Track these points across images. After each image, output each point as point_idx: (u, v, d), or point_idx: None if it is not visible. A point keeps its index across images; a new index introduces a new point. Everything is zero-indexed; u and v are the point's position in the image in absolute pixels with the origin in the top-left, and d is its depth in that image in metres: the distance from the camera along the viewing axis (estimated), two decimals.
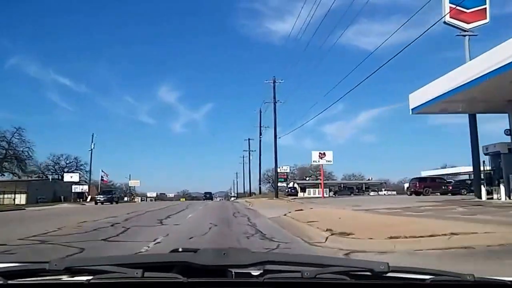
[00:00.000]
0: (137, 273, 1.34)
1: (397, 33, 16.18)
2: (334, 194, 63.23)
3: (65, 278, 1.43)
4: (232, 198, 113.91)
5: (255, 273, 1.44)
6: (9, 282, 1.37)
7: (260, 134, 56.41)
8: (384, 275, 1.40)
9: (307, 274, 1.36)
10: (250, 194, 76.50)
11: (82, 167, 75.18)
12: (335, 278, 1.38)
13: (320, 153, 43.18)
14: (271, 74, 51.07)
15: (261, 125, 56.93)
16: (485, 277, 1.50)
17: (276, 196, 38.92)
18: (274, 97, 42.80)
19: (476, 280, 1.41)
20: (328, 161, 43.50)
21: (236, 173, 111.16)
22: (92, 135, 61.18)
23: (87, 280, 1.37)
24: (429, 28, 12.57)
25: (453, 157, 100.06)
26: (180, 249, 1.66)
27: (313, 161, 44.32)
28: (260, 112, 55.01)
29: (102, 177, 68.98)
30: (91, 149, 60.24)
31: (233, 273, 1.45)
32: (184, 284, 1.32)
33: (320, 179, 50.36)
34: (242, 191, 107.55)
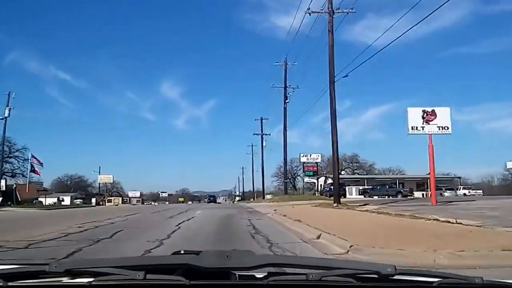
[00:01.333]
0: (139, 275, 1.32)
1: (405, 27, 15.20)
2: (363, 194, 49.72)
3: (65, 280, 1.40)
4: (237, 198, 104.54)
5: (259, 275, 1.42)
6: (9, 284, 1.35)
7: (286, 99, 40.89)
8: (390, 277, 1.37)
9: (312, 276, 1.34)
10: (264, 194, 64.64)
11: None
12: (341, 280, 1.35)
13: (425, 111, 19.90)
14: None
15: (262, 120, 54.07)
16: (493, 280, 1.47)
17: (337, 202, 20.12)
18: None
19: (484, 283, 1.39)
20: (443, 127, 19.83)
21: (242, 168, 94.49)
22: (8, 94, 39.00)
23: (88, 282, 1.34)
24: None
25: None
26: (182, 251, 1.63)
27: (411, 128, 19.73)
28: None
29: (32, 166, 43.79)
30: (5, 117, 38.28)
31: (237, 275, 1.42)
32: (186, 287, 1.30)
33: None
34: (248, 190, 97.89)
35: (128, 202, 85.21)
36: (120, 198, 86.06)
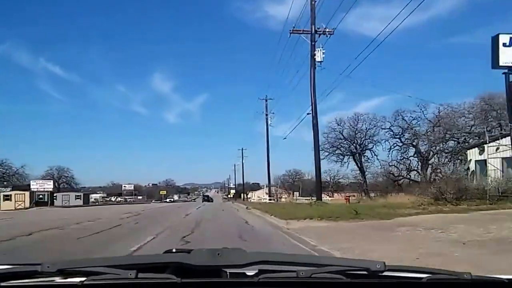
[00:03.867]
0: (130, 274, 1.33)
1: (402, 18, 15.06)
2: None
3: (58, 280, 1.41)
4: (232, 192, 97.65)
5: (250, 273, 1.43)
6: (2, 284, 1.36)
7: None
8: (380, 274, 1.39)
9: (302, 273, 1.35)
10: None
11: None
12: (331, 277, 1.36)
13: None
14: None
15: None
16: (482, 276, 1.49)
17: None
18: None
19: (473, 278, 1.40)
20: None
21: (241, 158, 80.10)
22: None
23: (80, 281, 1.35)
24: None
25: None
26: (174, 250, 1.65)
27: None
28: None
29: None
30: None
31: (228, 273, 1.43)
32: (178, 285, 1.31)
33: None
34: (245, 182, 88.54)
35: (67, 202, 55.35)
36: (27, 194, 51.22)
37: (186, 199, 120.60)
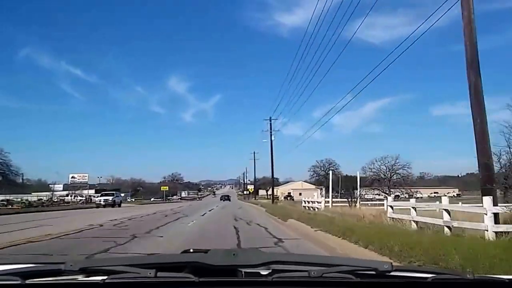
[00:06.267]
0: (150, 273, 1.39)
1: (402, 26, 15.22)
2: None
3: (80, 278, 1.47)
4: (251, 188, 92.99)
5: (264, 272, 1.49)
6: (27, 282, 1.42)
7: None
8: (387, 274, 1.46)
9: (313, 273, 1.42)
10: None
11: None
12: (341, 277, 1.43)
13: None
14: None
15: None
16: (484, 275, 1.56)
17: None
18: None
19: (475, 278, 1.47)
20: None
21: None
22: None
23: (102, 280, 1.41)
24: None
25: None
26: (191, 250, 1.71)
27: None
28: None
29: None
30: None
31: (243, 272, 1.50)
32: (195, 284, 1.37)
33: None
34: (262, 177, 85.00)
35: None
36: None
37: (197, 196, 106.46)
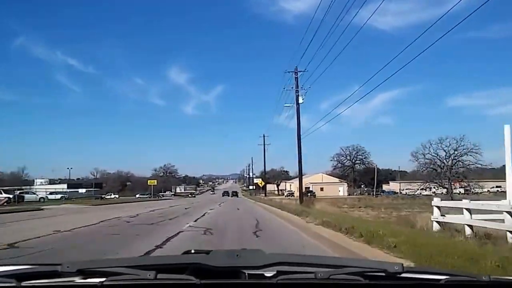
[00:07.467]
0: (150, 275, 1.34)
1: (415, 13, 14.65)
2: None
3: (77, 280, 1.42)
4: (258, 181, 67.69)
5: (268, 274, 1.43)
6: (22, 284, 1.37)
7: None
8: (398, 275, 1.39)
9: (320, 275, 1.35)
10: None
11: None
12: (349, 279, 1.37)
13: None
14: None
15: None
16: (501, 277, 1.49)
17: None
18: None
19: (491, 280, 1.40)
20: None
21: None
22: None
23: (100, 282, 1.36)
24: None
25: None
26: (193, 251, 1.65)
27: None
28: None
29: None
30: None
31: (246, 274, 1.44)
32: (197, 286, 1.32)
33: None
34: (270, 169, 67.73)
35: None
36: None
37: (189, 195, 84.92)
